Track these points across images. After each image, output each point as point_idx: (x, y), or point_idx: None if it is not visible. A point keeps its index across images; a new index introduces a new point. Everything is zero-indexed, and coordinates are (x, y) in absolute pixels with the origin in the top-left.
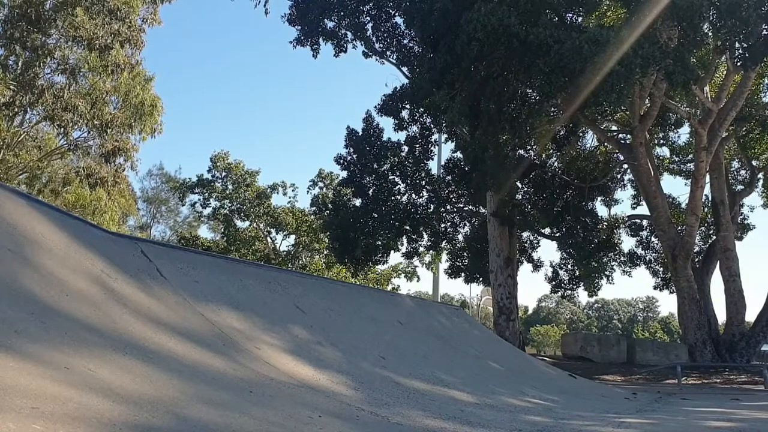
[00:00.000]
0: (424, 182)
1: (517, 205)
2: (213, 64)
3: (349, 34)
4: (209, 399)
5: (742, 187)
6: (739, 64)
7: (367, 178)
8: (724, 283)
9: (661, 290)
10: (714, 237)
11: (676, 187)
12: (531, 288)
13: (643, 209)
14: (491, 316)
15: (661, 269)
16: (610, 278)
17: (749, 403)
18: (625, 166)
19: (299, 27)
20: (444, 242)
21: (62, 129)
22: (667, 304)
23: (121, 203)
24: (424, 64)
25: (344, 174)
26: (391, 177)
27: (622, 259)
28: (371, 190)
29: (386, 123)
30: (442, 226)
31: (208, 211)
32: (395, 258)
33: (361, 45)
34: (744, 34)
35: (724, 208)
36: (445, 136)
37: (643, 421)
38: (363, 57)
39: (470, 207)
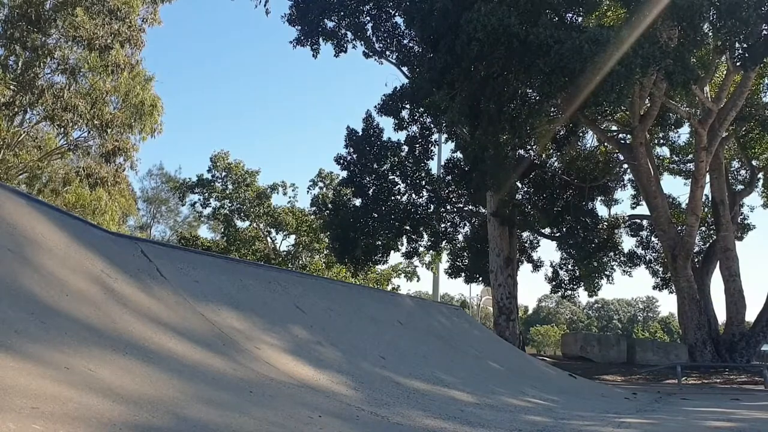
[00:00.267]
0: (424, 182)
1: (517, 205)
2: (213, 64)
3: (349, 34)
4: (209, 399)
5: (742, 187)
6: (738, 64)
7: (367, 178)
8: (724, 283)
9: (660, 290)
10: (714, 237)
11: (676, 187)
12: (531, 288)
13: (643, 209)
14: (491, 316)
15: (661, 269)
16: (610, 278)
17: (749, 403)
18: (625, 166)
19: (299, 27)
20: (444, 242)
21: (62, 129)
22: (667, 304)
23: (121, 203)
24: (424, 64)
25: (344, 174)
26: (391, 177)
27: (622, 259)
28: (371, 190)
29: (386, 123)
30: (442, 226)
31: (208, 211)
32: (395, 258)
33: (361, 45)
34: (744, 34)
35: (724, 208)
36: (445, 136)
37: (643, 421)
38: (363, 57)
39: (470, 207)
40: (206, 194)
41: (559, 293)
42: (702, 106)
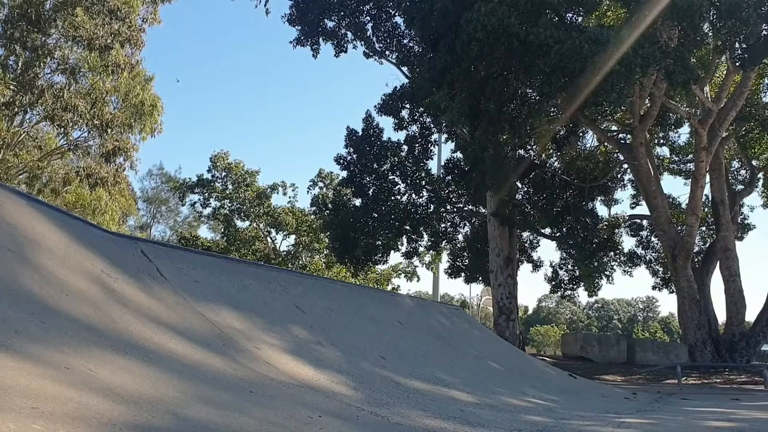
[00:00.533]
0: (424, 182)
1: (517, 205)
2: (213, 64)
3: (349, 34)
4: (209, 399)
5: (742, 187)
6: (738, 64)
7: (367, 178)
8: (724, 283)
9: (660, 290)
10: (714, 237)
11: (676, 187)
12: (531, 288)
13: (643, 209)
14: (491, 316)
15: (661, 269)
16: (610, 278)
17: (749, 403)
18: (625, 166)
19: (299, 27)
20: (444, 242)
21: (62, 129)
22: (667, 304)
23: (121, 203)
24: (424, 64)
25: (344, 174)
26: (391, 177)
27: (622, 259)
28: (371, 190)
29: (386, 123)
30: (442, 226)
31: (208, 211)
32: (395, 258)
33: (362, 45)
34: (744, 34)
35: (724, 208)
36: (445, 136)
37: (643, 421)
38: (363, 57)
39: (470, 207)
40: (206, 194)
41: (559, 293)
42: (702, 106)
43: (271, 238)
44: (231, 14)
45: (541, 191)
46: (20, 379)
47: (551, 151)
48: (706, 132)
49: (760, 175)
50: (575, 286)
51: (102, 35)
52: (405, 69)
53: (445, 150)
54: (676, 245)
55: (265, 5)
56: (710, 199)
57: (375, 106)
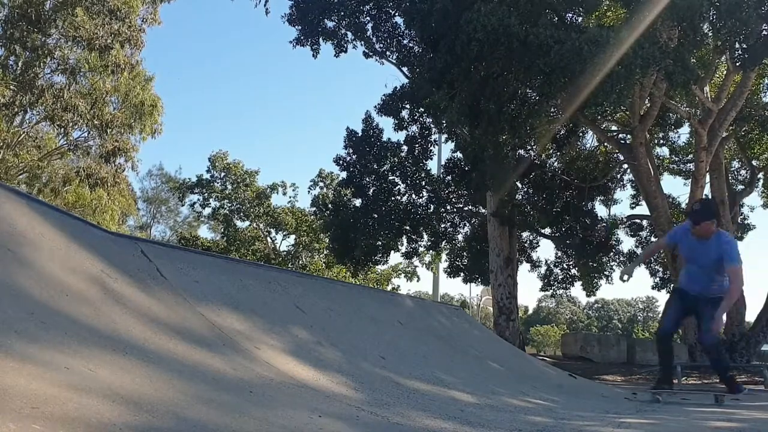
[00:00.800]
0: (424, 182)
1: (517, 205)
2: (213, 64)
3: (349, 34)
4: (209, 399)
5: (742, 187)
6: (738, 64)
7: (367, 179)
8: None
9: (659, 290)
10: None
11: (676, 187)
12: (531, 288)
13: (643, 209)
14: (491, 316)
15: (660, 269)
16: (609, 278)
17: (749, 403)
18: (625, 166)
19: (299, 27)
20: (444, 242)
21: (62, 129)
22: None
23: (121, 203)
24: (424, 64)
25: (344, 174)
26: (391, 177)
27: (621, 259)
28: (371, 191)
29: (386, 123)
30: (442, 226)
31: (207, 211)
32: (395, 258)
33: (362, 45)
34: (744, 34)
35: (724, 208)
36: (445, 136)
37: (644, 421)
38: (363, 57)
39: (470, 207)
40: (206, 194)
41: (550, 291)
42: (702, 106)
43: (271, 238)
44: (231, 14)
45: (541, 191)
46: (20, 379)
47: (551, 151)
48: (706, 132)
49: (760, 175)
50: (569, 285)
51: (102, 35)
52: (405, 69)
53: (445, 150)
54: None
55: (264, 5)
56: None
57: (375, 107)
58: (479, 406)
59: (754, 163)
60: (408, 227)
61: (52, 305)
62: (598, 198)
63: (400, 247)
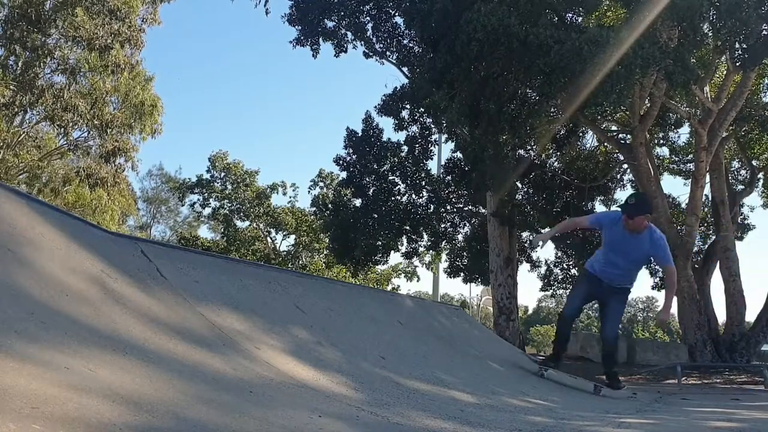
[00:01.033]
0: (424, 182)
1: (517, 205)
2: (213, 64)
3: (349, 34)
4: (209, 399)
5: (742, 187)
6: (738, 64)
7: (367, 179)
8: (724, 283)
9: (659, 290)
10: (714, 237)
11: (676, 187)
12: (531, 288)
13: None
14: (491, 316)
15: (660, 269)
16: None
17: (749, 403)
18: (625, 166)
19: (299, 27)
20: (444, 242)
21: (62, 129)
22: None
23: (121, 203)
24: (424, 64)
25: (344, 174)
26: (391, 177)
27: None
28: (371, 191)
29: (386, 123)
30: (442, 226)
31: (207, 211)
32: (395, 258)
33: (362, 45)
34: (744, 34)
35: (724, 208)
36: (445, 136)
37: (644, 421)
38: (363, 57)
39: (470, 207)
40: (205, 194)
41: (550, 291)
42: (702, 106)
43: (271, 238)
44: (231, 14)
45: (541, 191)
46: (20, 379)
47: (551, 151)
48: (706, 132)
49: (760, 175)
50: (569, 285)
51: (102, 35)
52: (405, 69)
53: (445, 150)
54: (675, 245)
55: (264, 5)
56: (710, 199)
57: (375, 107)
58: (479, 406)
59: (754, 163)
60: (408, 227)
61: (52, 305)
62: (598, 198)
63: (400, 247)
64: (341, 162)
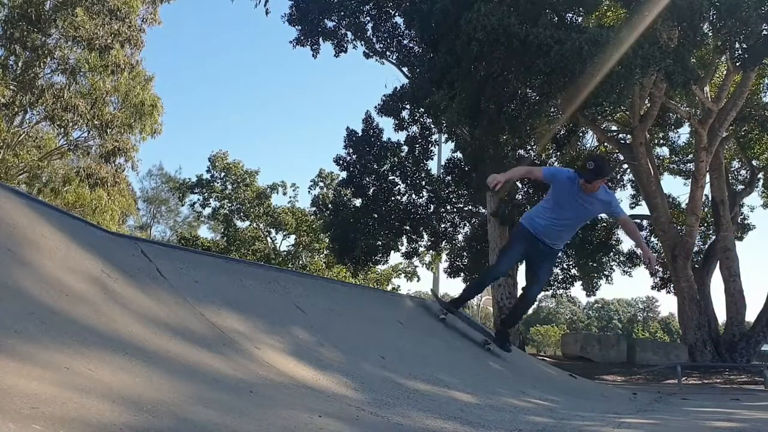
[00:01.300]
0: (424, 182)
1: (517, 205)
2: (213, 63)
3: (349, 34)
4: (210, 399)
5: (742, 187)
6: (738, 64)
7: (367, 179)
8: (724, 283)
9: (659, 290)
10: (714, 237)
11: (676, 187)
12: None
13: (643, 209)
14: (491, 316)
15: (660, 269)
16: (609, 278)
17: (750, 403)
18: (625, 166)
19: (299, 27)
20: (444, 242)
21: (62, 129)
22: (667, 304)
23: (121, 203)
24: (424, 64)
25: (344, 174)
26: (391, 177)
27: (621, 259)
28: (371, 191)
29: (386, 123)
30: (442, 226)
31: (207, 211)
32: (395, 258)
33: (362, 45)
34: (744, 34)
35: (724, 208)
36: (445, 136)
37: (644, 421)
38: (363, 57)
39: (470, 207)
40: (206, 194)
41: (550, 291)
42: (702, 106)
43: (271, 238)
44: (231, 14)
45: (541, 191)
46: (20, 379)
47: (551, 151)
48: (706, 132)
49: (760, 175)
50: (569, 285)
51: (102, 35)
52: (405, 69)
53: (445, 150)
54: (676, 245)
55: (264, 5)
56: (710, 199)
57: (375, 107)
58: (479, 406)
59: (754, 163)
60: (408, 227)
61: (52, 305)
62: None
63: (400, 247)
64: (341, 162)
